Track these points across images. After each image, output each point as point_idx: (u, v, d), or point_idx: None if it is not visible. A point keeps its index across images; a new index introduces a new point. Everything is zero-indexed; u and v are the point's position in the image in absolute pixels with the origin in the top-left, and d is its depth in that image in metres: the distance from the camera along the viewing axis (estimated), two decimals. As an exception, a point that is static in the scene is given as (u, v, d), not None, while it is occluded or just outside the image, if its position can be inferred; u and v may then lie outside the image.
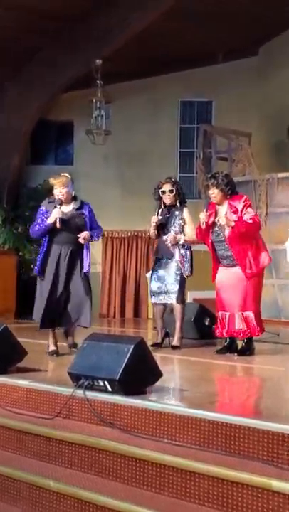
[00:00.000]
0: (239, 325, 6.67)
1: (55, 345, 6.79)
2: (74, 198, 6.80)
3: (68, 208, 6.71)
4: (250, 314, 6.66)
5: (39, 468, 4.45)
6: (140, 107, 13.82)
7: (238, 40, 12.84)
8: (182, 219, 7.32)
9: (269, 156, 13.02)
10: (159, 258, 7.47)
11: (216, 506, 3.75)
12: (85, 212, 6.74)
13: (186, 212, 7.38)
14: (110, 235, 13.38)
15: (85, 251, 6.69)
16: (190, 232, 7.24)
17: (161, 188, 7.38)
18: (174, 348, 7.23)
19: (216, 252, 6.79)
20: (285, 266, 10.78)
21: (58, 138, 14.62)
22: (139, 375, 4.63)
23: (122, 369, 4.51)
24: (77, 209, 6.73)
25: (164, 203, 7.40)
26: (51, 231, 6.65)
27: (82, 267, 6.69)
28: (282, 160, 12.71)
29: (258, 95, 13.48)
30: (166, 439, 4.22)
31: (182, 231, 7.30)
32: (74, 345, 6.81)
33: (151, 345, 6.85)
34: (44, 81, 12.11)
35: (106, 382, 4.59)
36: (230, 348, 6.85)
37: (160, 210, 7.40)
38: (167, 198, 7.36)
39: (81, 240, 6.61)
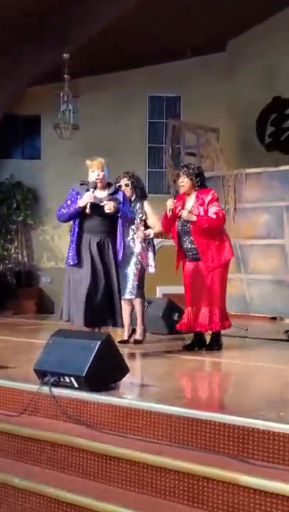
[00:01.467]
0: (206, 319, 6.65)
1: None
2: (108, 185, 6.27)
3: (103, 194, 6.13)
4: (216, 309, 6.66)
5: (4, 466, 4.40)
6: (108, 101, 13.76)
7: (206, 36, 12.84)
8: (143, 212, 7.31)
9: (237, 152, 13.06)
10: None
11: (182, 501, 3.75)
12: (120, 198, 6.17)
13: (146, 205, 7.36)
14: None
15: (118, 240, 6.13)
16: (155, 224, 7.22)
17: (118, 182, 7.35)
18: (136, 342, 7.21)
19: (181, 244, 6.77)
20: (252, 261, 10.85)
21: (26, 132, 14.50)
22: (106, 371, 4.60)
23: (88, 365, 4.48)
24: (111, 194, 6.16)
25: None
26: (82, 217, 6.05)
27: (116, 259, 6.12)
28: (249, 156, 12.76)
29: (226, 91, 13.52)
30: (133, 434, 4.20)
31: (145, 225, 7.29)
32: None
33: (119, 342, 6.82)
34: (10, 75, 11.99)
35: (72, 379, 4.55)
36: (198, 343, 6.84)
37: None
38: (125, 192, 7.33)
39: (106, 209, 5.96)
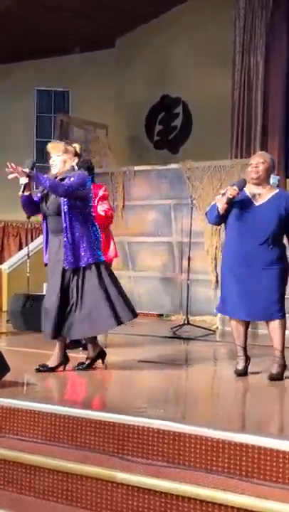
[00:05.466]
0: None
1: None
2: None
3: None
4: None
5: None
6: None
7: (95, 32, 12.80)
8: None
9: (126, 149, 13.09)
10: None
11: (60, 500, 3.71)
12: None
13: None
14: None
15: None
16: None
17: None
18: None
19: None
20: (140, 258, 10.91)
21: None
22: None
23: None
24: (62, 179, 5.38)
25: None
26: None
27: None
28: (137, 153, 12.82)
29: (115, 88, 13.53)
30: (11, 434, 4.11)
31: None
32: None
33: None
34: None
35: None
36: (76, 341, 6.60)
37: None
38: None
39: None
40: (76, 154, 5.54)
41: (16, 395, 4.49)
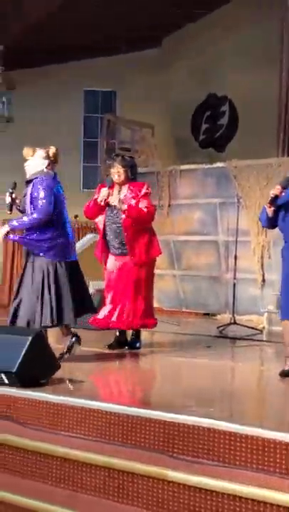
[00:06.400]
0: (128, 317, 6.44)
1: None
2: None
3: None
4: (140, 307, 6.47)
5: None
6: (43, 94, 13.63)
7: (141, 31, 12.84)
8: None
9: (172, 149, 13.12)
10: None
11: (112, 498, 3.76)
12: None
13: None
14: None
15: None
16: None
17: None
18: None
19: (105, 237, 6.56)
20: (186, 257, 10.93)
21: None
22: (37, 367, 4.57)
23: (19, 361, 4.44)
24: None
25: None
26: None
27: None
28: (184, 153, 12.83)
29: (162, 87, 13.55)
30: (63, 431, 4.18)
31: None
32: None
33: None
34: None
35: (2, 375, 4.50)
36: (118, 342, 6.62)
37: None
38: None
39: None
40: (48, 157, 5.80)
41: (65, 392, 4.57)
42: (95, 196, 6.51)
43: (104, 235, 6.58)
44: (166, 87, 13.54)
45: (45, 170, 5.75)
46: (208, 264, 10.71)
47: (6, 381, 4.50)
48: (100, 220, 6.58)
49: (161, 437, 3.79)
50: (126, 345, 6.65)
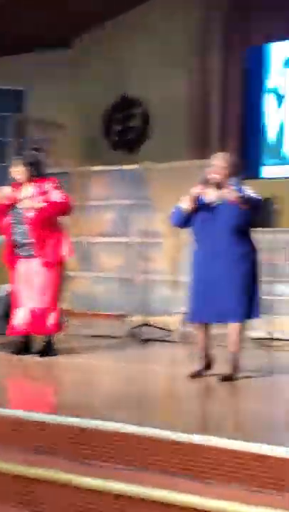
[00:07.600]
0: (40, 322, 6.27)
1: None
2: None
3: None
4: (52, 311, 6.32)
5: None
6: None
7: (52, 30, 12.69)
8: None
9: (83, 149, 13.02)
10: None
11: (16, 505, 3.64)
12: None
13: None
14: None
15: None
16: None
17: None
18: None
19: (12, 238, 6.37)
20: (98, 258, 10.86)
21: None
22: None
23: None
24: None
25: None
26: None
27: None
28: (96, 153, 12.76)
29: (73, 87, 13.42)
30: None
31: None
32: None
33: None
34: None
35: None
36: (27, 347, 6.44)
37: None
38: None
39: None
40: None
41: None
42: None
43: (11, 237, 6.40)
44: (77, 87, 13.44)
45: None
46: (120, 265, 10.67)
47: None
48: (5, 221, 6.40)
49: (68, 442, 3.70)
50: (37, 352, 6.43)
